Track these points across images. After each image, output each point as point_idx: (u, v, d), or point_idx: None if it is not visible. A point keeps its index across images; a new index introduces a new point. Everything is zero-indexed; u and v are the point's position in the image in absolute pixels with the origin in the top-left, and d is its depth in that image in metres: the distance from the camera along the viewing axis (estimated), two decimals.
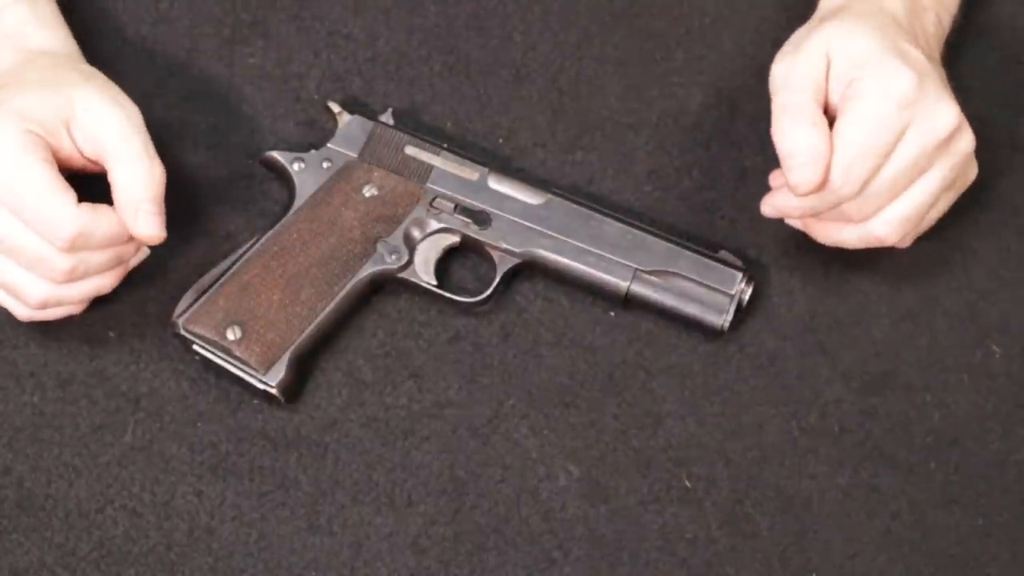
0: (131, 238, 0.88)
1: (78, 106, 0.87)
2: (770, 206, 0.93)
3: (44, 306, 0.89)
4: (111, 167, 0.87)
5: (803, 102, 0.88)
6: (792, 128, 0.87)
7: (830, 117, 0.89)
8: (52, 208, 0.84)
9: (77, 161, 0.88)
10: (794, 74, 0.89)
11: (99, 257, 0.88)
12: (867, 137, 0.87)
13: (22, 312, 0.89)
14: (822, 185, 0.87)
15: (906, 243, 0.93)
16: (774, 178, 0.94)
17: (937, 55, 0.94)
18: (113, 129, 0.87)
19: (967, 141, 0.89)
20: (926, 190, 0.89)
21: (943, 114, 0.87)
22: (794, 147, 0.87)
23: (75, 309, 0.91)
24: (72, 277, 0.87)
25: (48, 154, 0.86)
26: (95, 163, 0.89)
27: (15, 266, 0.87)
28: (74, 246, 0.85)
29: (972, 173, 0.93)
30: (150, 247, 0.91)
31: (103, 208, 0.87)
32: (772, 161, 0.99)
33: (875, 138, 0.87)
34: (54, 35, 0.93)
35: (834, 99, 0.89)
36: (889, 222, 0.90)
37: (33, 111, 0.86)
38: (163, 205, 0.88)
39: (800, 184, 0.87)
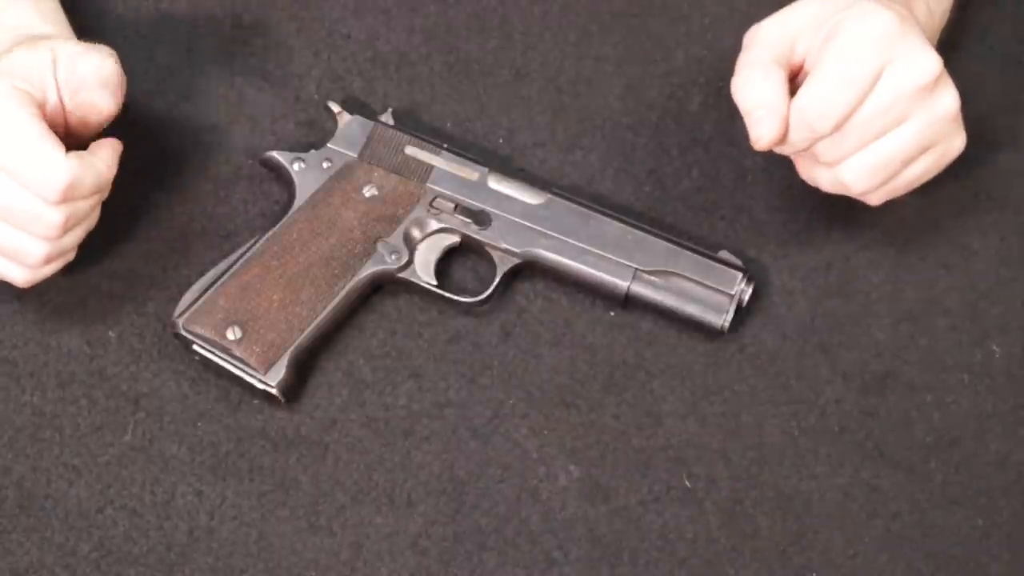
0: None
1: (60, 57, 0.88)
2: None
3: (47, 262, 0.89)
4: (80, 69, 0.88)
5: (761, 58, 0.87)
6: (746, 83, 0.87)
7: (806, 70, 0.88)
8: (44, 160, 0.85)
9: (60, 118, 0.89)
10: (759, 34, 0.88)
11: (86, 204, 0.89)
12: (843, 71, 0.85)
13: (20, 276, 0.90)
14: (781, 140, 0.87)
15: (877, 199, 0.91)
16: None
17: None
18: (92, 59, 0.88)
19: (949, 98, 0.87)
20: (899, 142, 0.87)
21: (923, 61, 0.85)
22: (748, 102, 0.87)
23: (71, 257, 0.91)
24: (66, 229, 0.88)
25: (37, 110, 0.87)
26: (82, 122, 0.90)
27: (11, 229, 0.87)
28: (66, 197, 0.86)
29: (957, 141, 0.90)
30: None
31: (86, 155, 0.88)
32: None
33: (851, 72, 0.85)
34: (56, 30, 0.93)
35: (812, 53, 0.88)
36: (856, 169, 0.88)
37: (20, 67, 0.87)
38: (118, 85, 0.89)
39: (758, 139, 0.87)
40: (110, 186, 0.91)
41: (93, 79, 0.88)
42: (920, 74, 0.85)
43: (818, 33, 0.87)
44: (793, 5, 0.89)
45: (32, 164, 0.85)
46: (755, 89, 0.87)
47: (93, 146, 0.90)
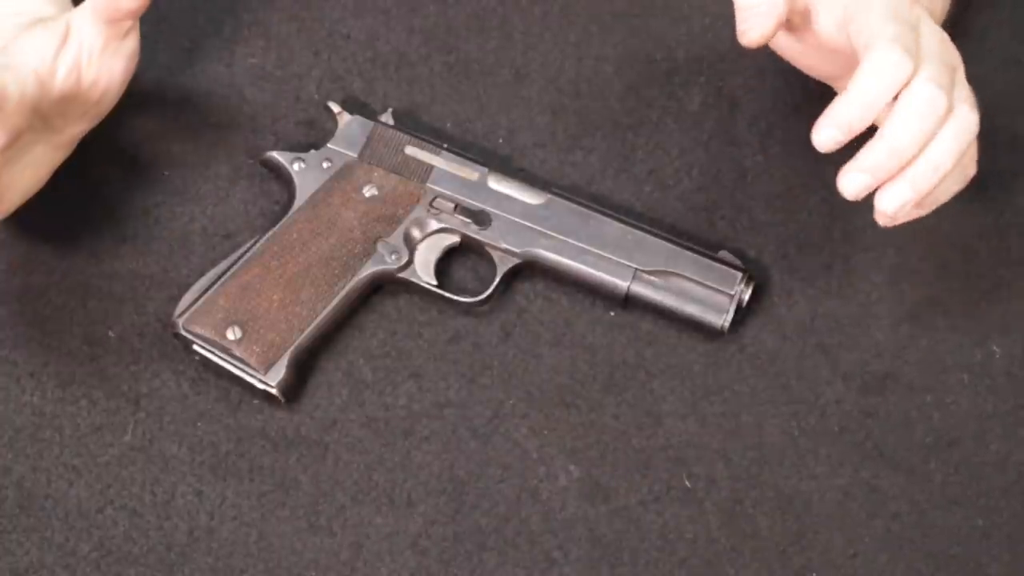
0: None
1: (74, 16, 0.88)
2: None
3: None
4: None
5: None
6: None
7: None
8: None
9: (82, 82, 0.88)
10: None
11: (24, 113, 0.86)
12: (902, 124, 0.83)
13: None
14: (770, 35, 0.85)
15: (918, 212, 0.89)
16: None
17: None
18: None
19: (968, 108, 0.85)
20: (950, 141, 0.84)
21: (934, 100, 0.83)
22: None
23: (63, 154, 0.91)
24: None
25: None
26: (96, 88, 0.89)
27: None
28: None
29: (974, 165, 0.89)
30: None
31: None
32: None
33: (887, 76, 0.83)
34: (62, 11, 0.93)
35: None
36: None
37: (25, 47, 0.86)
38: None
39: (747, 32, 0.85)
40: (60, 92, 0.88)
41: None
42: (932, 109, 0.83)
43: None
44: None
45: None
46: None
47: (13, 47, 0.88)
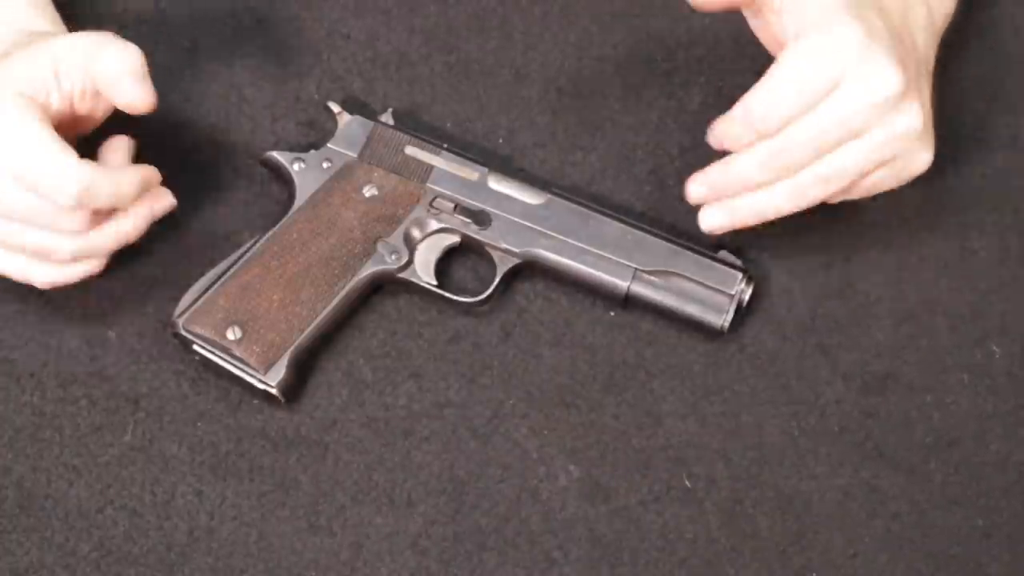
0: (143, 187, 0.89)
1: (58, 55, 0.87)
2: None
3: (75, 259, 0.89)
4: (95, 69, 0.87)
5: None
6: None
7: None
8: (56, 167, 0.85)
9: (68, 119, 0.89)
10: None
11: (109, 202, 0.88)
12: (795, 77, 0.86)
13: (42, 277, 0.90)
14: (736, 144, 0.88)
15: (833, 200, 0.92)
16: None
17: (923, 47, 0.93)
18: (84, 45, 0.88)
19: (912, 116, 0.87)
20: (855, 155, 0.87)
21: (885, 77, 0.85)
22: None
23: (100, 265, 0.91)
24: (91, 226, 0.88)
25: (44, 115, 0.86)
26: (89, 115, 0.89)
27: (35, 230, 0.87)
28: (81, 202, 0.85)
29: (922, 157, 0.90)
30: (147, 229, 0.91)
31: (106, 166, 0.88)
32: None
33: (803, 79, 0.85)
34: (50, 25, 0.93)
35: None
36: (809, 178, 0.89)
37: (22, 74, 0.86)
38: (147, 76, 0.88)
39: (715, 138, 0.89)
40: (137, 187, 0.89)
41: (121, 74, 0.87)
42: (879, 90, 0.85)
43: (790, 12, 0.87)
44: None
45: (44, 173, 0.85)
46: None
47: (105, 148, 0.90)
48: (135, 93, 0.88)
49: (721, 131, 0.89)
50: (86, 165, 0.85)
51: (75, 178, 0.85)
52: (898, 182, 0.91)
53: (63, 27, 0.94)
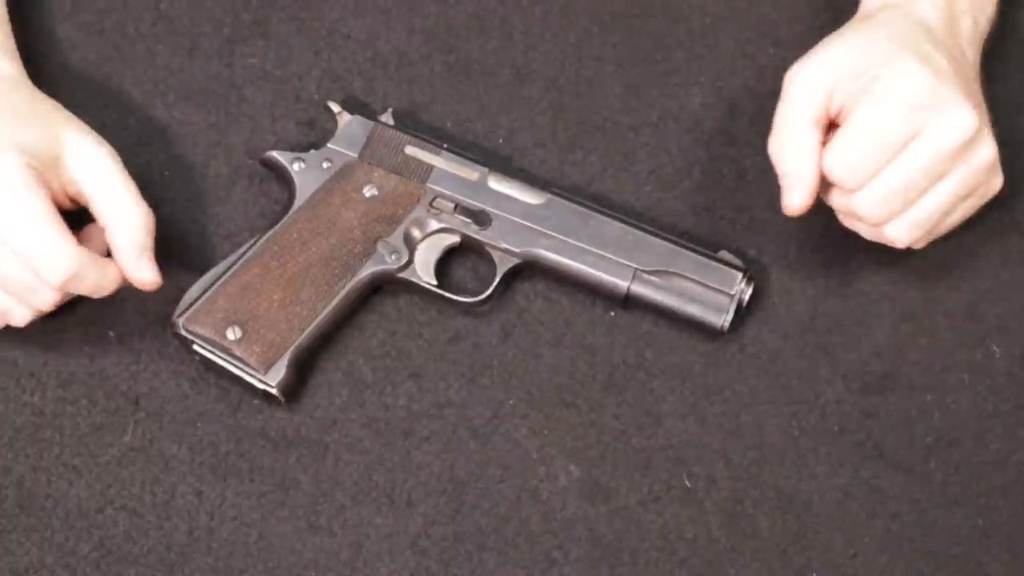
0: (120, 283, 0.89)
1: (68, 144, 0.88)
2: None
3: (25, 324, 0.90)
4: (104, 211, 0.88)
5: (798, 117, 0.88)
6: (781, 148, 0.89)
7: (840, 122, 0.89)
8: (53, 247, 0.85)
9: (59, 199, 0.89)
10: (796, 81, 0.89)
11: (85, 289, 0.88)
12: (874, 134, 0.86)
13: None
14: (809, 206, 0.89)
15: (919, 245, 0.93)
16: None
17: (973, 58, 0.94)
18: (104, 171, 0.88)
19: (987, 150, 0.88)
20: (940, 198, 0.89)
21: (960, 120, 0.86)
22: (782, 167, 0.89)
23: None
24: (57, 305, 0.89)
25: (47, 190, 0.86)
26: (75, 202, 0.89)
27: (3, 293, 0.87)
28: (65, 286, 0.86)
29: (996, 183, 0.92)
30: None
31: (98, 257, 0.87)
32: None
33: (883, 135, 0.86)
34: (9, 63, 0.93)
35: (847, 105, 0.89)
36: (899, 228, 0.90)
37: (32, 146, 0.86)
38: (153, 251, 0.89)
39: (787, 206, 0.89)
40: (117, 283, 0.89)
41: (128, 248, 0.88)
42: (958, 135, 0.87)
43: (856, 84, 0.88)
44: (831, 47, 0.89)
45: (39, 249, 0.85)
46: (790, 157, 0.89)
47: (107, 261, 0.89)
48: (148, 272, 0.89)
49: (798, 202, 0.90)
50: (80, 252, 0.85)
51: (67, 262, 0.85)
52: (975, 210, 0.93)
53: (20, 64, 0.93)
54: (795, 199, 0.89)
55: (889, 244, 0.91)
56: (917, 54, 0.87)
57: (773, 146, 0.90)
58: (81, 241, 0.89)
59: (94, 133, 0.89)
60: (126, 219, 0.88)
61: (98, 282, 0.88)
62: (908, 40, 0.88)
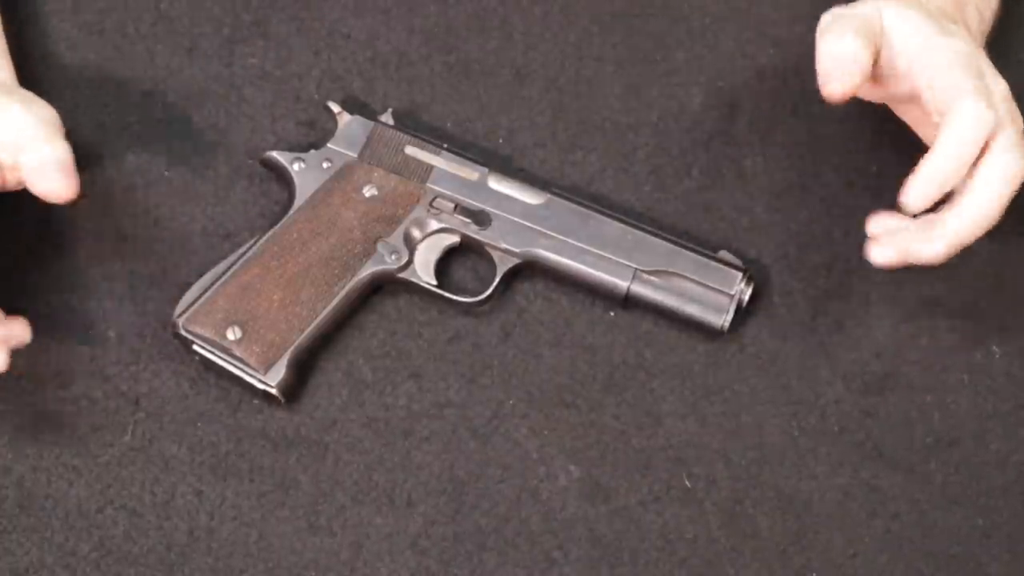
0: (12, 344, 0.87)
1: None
2: (879, 247, 0.91)
3: None
4: (20, 157, 0.86)
5: (857, 24, 0.87)
6: (833, 34, 0.87)
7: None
8: None
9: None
10: (845, 15, 0.88)
11: None
12: (960, 143, 0.86)
13: None
14: (852, 92, 0.87)
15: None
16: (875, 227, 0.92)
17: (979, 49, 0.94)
18: (27, 124, 0.86)
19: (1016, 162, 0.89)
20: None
21: (1012, 164, 0.87)
22: (840, 51, 0.87)
23: None
24: None
25: None
26: (14, 175, 0.88)
27: None
28: None
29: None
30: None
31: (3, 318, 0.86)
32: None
33: (966, 142, 0.86)
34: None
35: (897, 65, 0.88)
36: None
37: None
38: (72, 168, 0.86)
39: (832, 92, 0.87)
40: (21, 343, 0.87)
41: (48, 167, 0.86)
42: (1009, 178, 0.87)
43: (907, 48, 0.87)
44: (868, 4, 0.89)
45: None
46: (843, 39, 0.87)
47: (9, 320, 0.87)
48: (55, 184, 0.86)
49: (916, 198, 0.88)
50: None
51: None
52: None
53: (11, 69, 0.93)
54: (844, 80, 0.87)
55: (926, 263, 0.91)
56: (975, 74, 0.87)
57: (822, 29, 0.88)
58: None
59: (36, 100, 0.87)
60: (32, 144, 0.86)
61: (6, 335, 0.86)
62: (943, 26, 0.88)
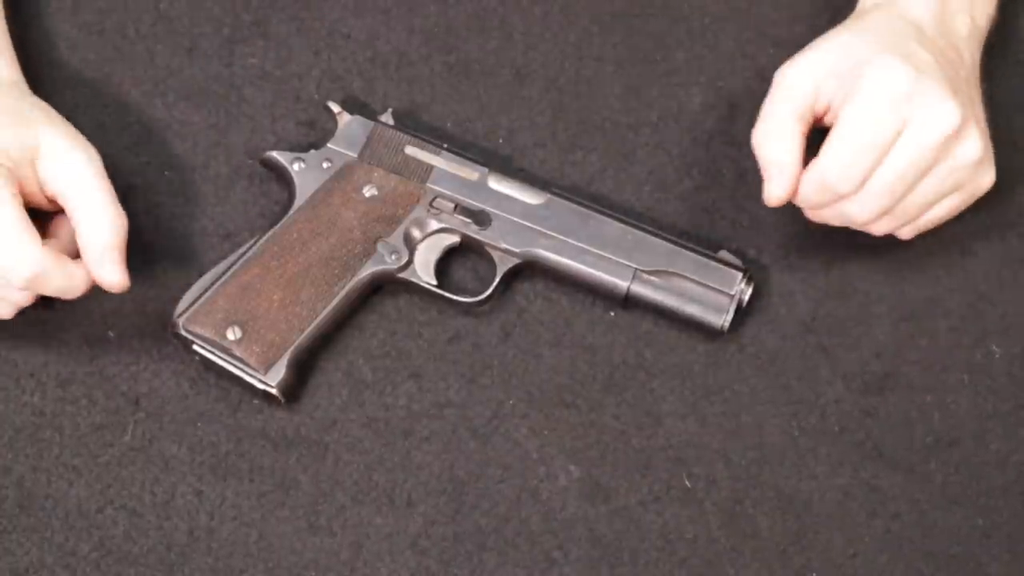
0: (91, 285, 0.88)
1: (44, 144, 0.87)
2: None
3: (12, 317, 0.90)
4: (74, 211, 0.87)
5: (784, 112, 0.89)
6: (765, 138, 0.90)
7: (828, 124, 0.90)
8: (16, 247, 0.84)
9: (36, 198, 0.88)
10: (784, 81, 0.90)
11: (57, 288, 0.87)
12: (862, 135, 0.87)
13: None
14: (790, 197, 0.90)
15: (904, 236, 0.93)
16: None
17: (970, 57, 0.94)
18: (78, 172, 0.87)
19: (972, 145, 0.89)
20: (924, 192, 0.89)
21: (943, 114, 0.87)
22: (765, 157, 0.90)
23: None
24: (31, 301, 0.89)
25: (16, 190, 0.85)
26: (53, 202, 0.89)
27: None
28: (30, 286, 0.86)
29: (985, 179, 0.92)
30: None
31: (64, 258, 0.86)
32: None
33: (869, 135, 0.87)
34: (7, 68, 0.93)
35: (834, 104, 0.89)
36: (886, 220, 0.91)
37: (4, 143, 0.86)
38: (124, 253, 0.87)
39: (768, 196, 0.90)
40: (86, 284, 0.88)
41: (100, 247, 0.87)
42: (941, 128, 0.87)
43: (840, 83, 0.89)
44: (817, 48, 0.90)
45: (2, 250, 0.84)
46: (773, 147, 0.89)
47: (74, 263, 0.88)
48: (112, 273, 0.87)
49: (803, 200, 0.90)
50: (45, 254, 0.85)
51: (30, 264, 0.84)
52: (964, 206, 0.93)
53: (17, 68, 0.93)
54: (776, 189, 0.89)
55: (866, 231, 0.92)
56: (899, 51, 0.87)
57: (757, 137, 0.90)
58: (50, 232, 0.88)
59: (76, 135, 0.89)
60: (93, 219, 0.87)
61: (65, 284, 0.87)
62: (893, 38, 0.89)
